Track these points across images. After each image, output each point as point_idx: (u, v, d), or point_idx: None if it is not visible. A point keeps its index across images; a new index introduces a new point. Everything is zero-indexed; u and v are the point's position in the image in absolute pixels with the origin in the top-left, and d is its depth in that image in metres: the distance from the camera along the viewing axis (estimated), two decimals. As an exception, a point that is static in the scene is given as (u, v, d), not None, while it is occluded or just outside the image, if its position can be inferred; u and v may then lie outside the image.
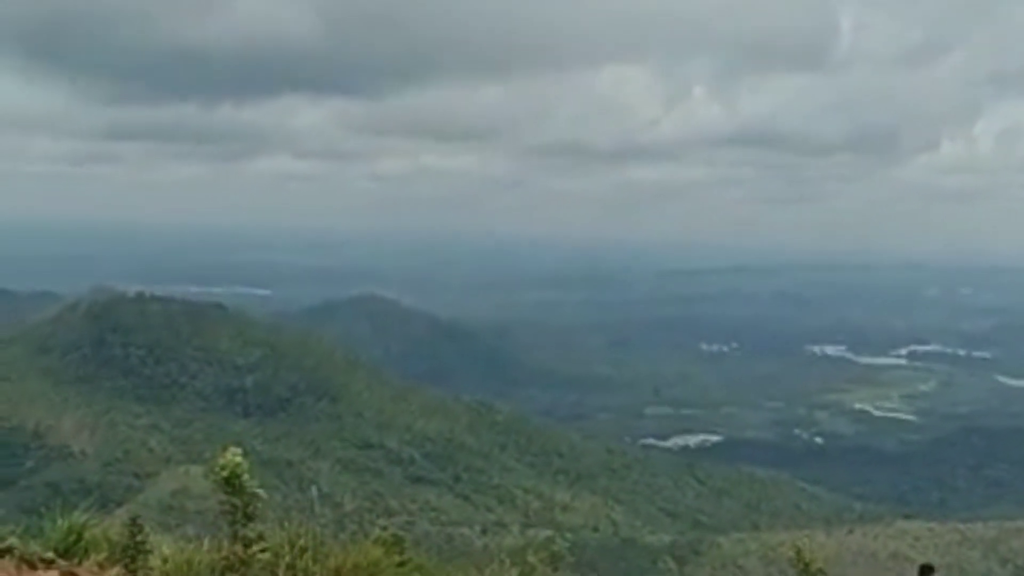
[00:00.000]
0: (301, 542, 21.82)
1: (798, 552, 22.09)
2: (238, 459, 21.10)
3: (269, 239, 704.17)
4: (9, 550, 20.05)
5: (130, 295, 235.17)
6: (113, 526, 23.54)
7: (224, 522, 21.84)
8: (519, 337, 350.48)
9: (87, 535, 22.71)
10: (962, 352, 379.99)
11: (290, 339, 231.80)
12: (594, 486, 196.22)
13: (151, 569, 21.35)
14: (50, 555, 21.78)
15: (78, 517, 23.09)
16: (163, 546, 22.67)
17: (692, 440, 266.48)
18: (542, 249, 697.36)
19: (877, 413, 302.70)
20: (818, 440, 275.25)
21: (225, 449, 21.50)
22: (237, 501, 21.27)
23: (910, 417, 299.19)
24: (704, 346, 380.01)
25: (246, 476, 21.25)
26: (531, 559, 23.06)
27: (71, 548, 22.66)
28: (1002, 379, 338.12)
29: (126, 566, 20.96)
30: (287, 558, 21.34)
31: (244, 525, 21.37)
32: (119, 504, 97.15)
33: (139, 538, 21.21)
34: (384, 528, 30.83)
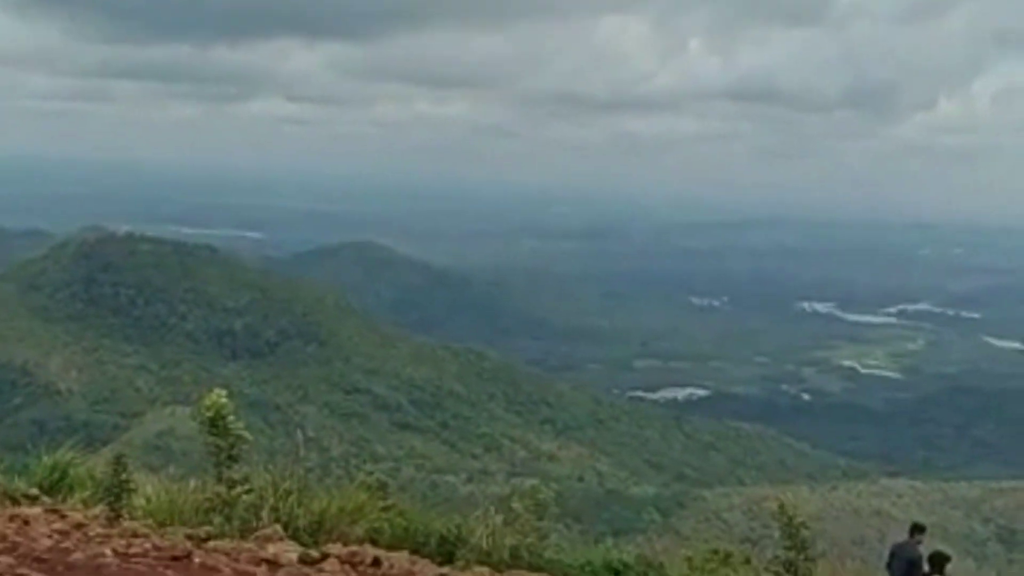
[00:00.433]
0: (286, 485, 21.90)
1: (781, 507, 22.22)
2: (223, 400, 21.13)
3: (262, 182, 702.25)
4: (-7, 486, 20.04)
5: (121, 235, 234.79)
6: (98, 465, 23.61)
7: (209, 463, 21.91)
8: (512, 286, 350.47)
9: (72, 473, 22.75)
10: (951, 312, 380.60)
11: (281, 283, 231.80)
12: (581, 437, 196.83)
13: (135, 508, 21.40)
14: (34, 492, 21.82)
15: (63, 455, 23.14)
16: (147, 486, 22.74)
17: (680, 393, 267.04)
18: (537, 199, 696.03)
19: (864, 371, 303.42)
20: (805, 396, 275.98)
21: (211, 390, 21.53)
22: (222, 442, 21.34)
23: (897, 375, 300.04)
24: (694, 300, 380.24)
25: (231, 417, 21.29)
26: (516, 507, 23.15)
27: (55, 485, 22.69)
28: (990, 340, 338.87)
29: (110, 504, 21.02)
30: (271, 500, 21.42)
31: (228, 466, 21.44)
32: (105, 443, 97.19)
33: (123, 477, 21.26)
34: (369, 473, 30.94)
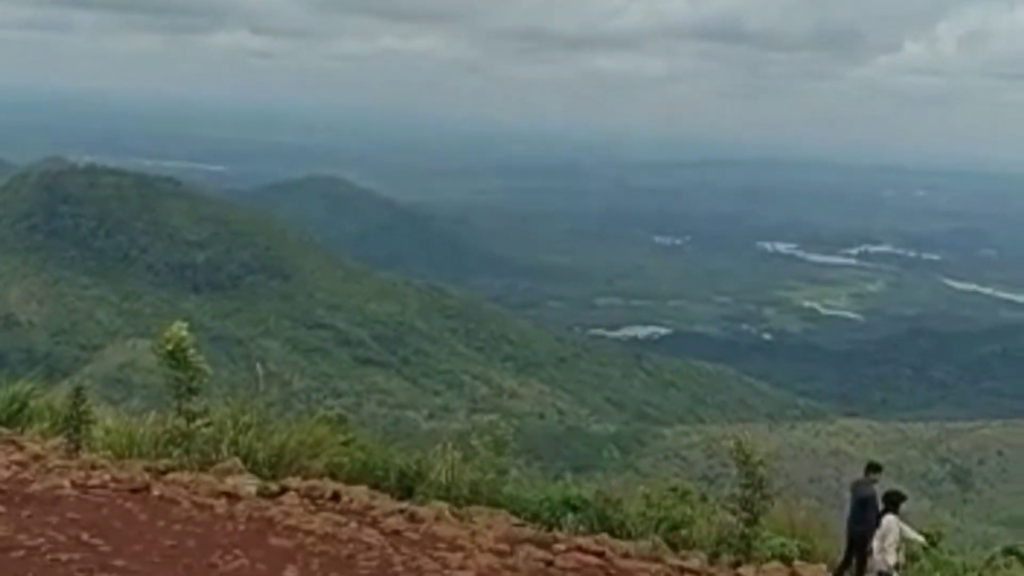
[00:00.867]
0: (245, 418, 21.91)
1: (739, 444, 22.38)
2: (183, 333, 21.08)
3: (226, 115, 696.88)
4: (-50, 416, 19.95)
5: (82, 166, 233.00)
6: (58, 397, 23.51)
7: (169, 396, 21.87)
8: (476, 223, 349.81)
9: (31, 405, 22.65)
10: (912, 254, 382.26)
11: (243, 217, 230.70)
12: (542, 374, 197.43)
13: (94, 440, 21.37)
14: (-8, 423, 21.70)
15: (23, 386, 23.02)
16: (107, 418, 22.67)
17: (641, 332, 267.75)
18: (502, 136, 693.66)
19: (825, 312, 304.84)
20: (765, 336, 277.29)
21: (171, 323, 21.45)
22: (181, 375, 21.31)
23: (857, 317, 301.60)
24: (657, 239, 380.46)
25: (191, 350, 21.25)
26: (475, 443, 23.23)
27: (14, 417, 22.62)
28: (950, 282, 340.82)
29: (69, 436, 20.99)
30: (231, 434, 21.44)
31: (188, 399, 21.43)
32: (65, 375, 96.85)
33: (82, 408, 21.22)
34: (330, 408, 30.96)
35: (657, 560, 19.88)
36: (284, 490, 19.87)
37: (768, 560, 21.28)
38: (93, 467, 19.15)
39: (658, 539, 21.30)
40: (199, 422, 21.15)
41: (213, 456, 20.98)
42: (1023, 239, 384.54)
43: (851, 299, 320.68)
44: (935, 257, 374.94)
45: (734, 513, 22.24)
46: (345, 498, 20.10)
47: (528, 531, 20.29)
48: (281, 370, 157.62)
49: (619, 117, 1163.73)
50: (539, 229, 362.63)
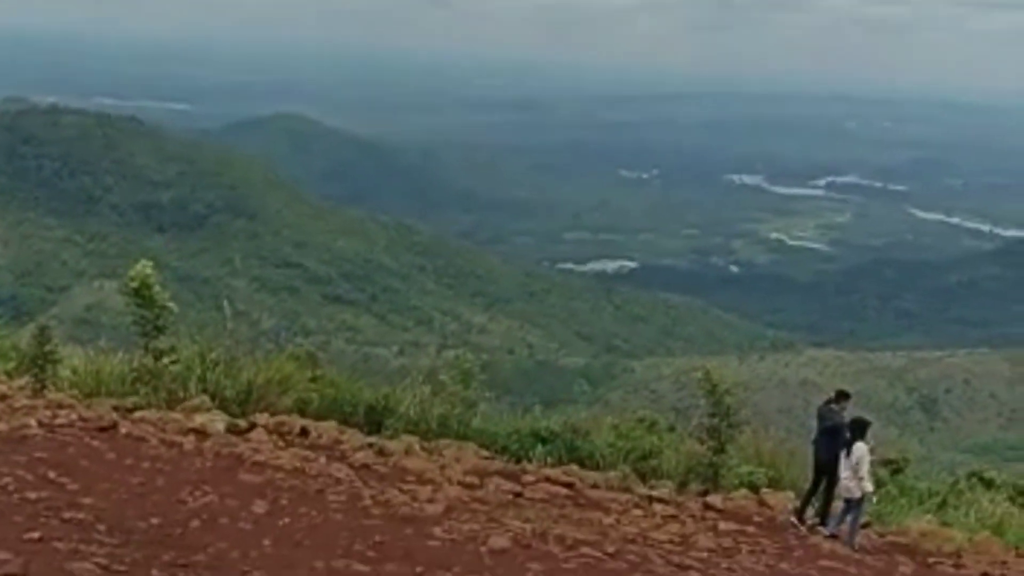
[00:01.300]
0: (213, 356, 21.89)
1: (706, 374, 22.51)
2: (148, 271, 21.03)
3: (188, 52, 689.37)
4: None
5: (44, 106, 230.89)
6: (24, 338, 23.41)
7: (135, 335, 21.82)
8: (442, 159, 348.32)
9: (-4, 345, 22.53)
10: (878, 184, 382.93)
11: (208, 155, 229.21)
12: (511, 309, 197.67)
13: (61, 380, 21.33)
14: (-44, 363, 21.62)
15: (-13, 327, 22.86)
16: (74, 358, 22.62)
17: (609, 265, 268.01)
18: (468, 70, 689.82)
19: (792, 243, 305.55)
20: (733, 268, 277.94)
21: (137, 262, 21.37)
22: (147, 313, 21.28)
23: (824, 247, 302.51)
24: (624, 172, 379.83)
25: (156, 288, 21.20)
26: (443, 377, 23.30)
27: (-22, 357, 22.49)
28: (915, 212, 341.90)
29: (35, 376, 20.94)
30: (198, 371, 21.44)
31: (155, 337, 21.41)
32: (31, 317, 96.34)
33: (47, 348, 21.16)
34: (298, 346, 30.92)
35: (626, 490, 20.05)
36: (253, 426, 19.91)
37: (736, 488, 21.47)
38: (60, 406, 19.11)
39: (627, 469, 21.45)
40: (166, 360, 21.14)
41: (181, 394, 20.99)
42: (988, 168, 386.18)
43: (818, 230, 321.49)
44: (901, 187, 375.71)
45: (702, 442, 22.41)
46: (314, 433, 20.16)
47: (497, 463, 20.41)
48: (249, 309, 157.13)
49: (585, 50, 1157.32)
50: (506, 163, 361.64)
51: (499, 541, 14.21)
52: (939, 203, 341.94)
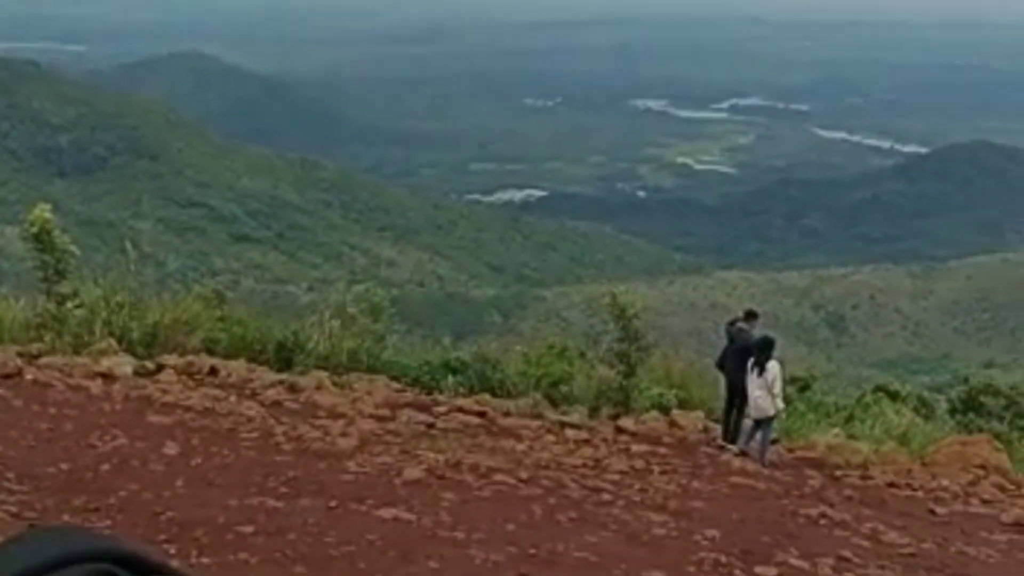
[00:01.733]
0: (118, 298, 21.67)
1: (613, 298, 22.69)
2: (47, 215, 20.74)
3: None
4: None
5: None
6: (-78, 286, 22.99)
7: (37, 280, 21.53)
8: (345, 93, 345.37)
9: None
10: (781, 105, 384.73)
11: (107, 97, 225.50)
12: (419, 242, 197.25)
13: (-39, 328, 21.01)
14: None
15: None
16: (-26, 305, 22.27)
17: (517, 195, 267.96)
18: (367, 2, 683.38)
19: (698, 167, 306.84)
20: (640, 194, 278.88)
21: (35, 206, 21.05)
22: (48, 257, 21.01)
23: (730, 170, 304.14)
24: (529, 101, 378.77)
25: (56, 232, 20.92)
26: (351, 311, 23.27)
27: None
28: (818, 131, 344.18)
29: (-66, 325, 20.61)
30: (103, 314, 21.22)
31: (57, 282, 21.14)
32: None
33: (-54, 296, 20.80)
34: (206, 286, 30.69)
35: (538, 416, 20.19)
36: (161, 368, 19.78)
37: (647, 411, 21.70)
38: (-38, 355, 18.86)
39: (538, 396, 21.60)
40: (70, 304, 20.90)
41: (86, 338, 20.78)
42: (889, 86, 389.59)
43: (723, 153, 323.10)
44: (803, 107, 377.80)
45: (612, 367, 22.61)
46: (223, 372, 20.07)
47: (409, 395, 20.46)
48: (155, 251, 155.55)
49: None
50: (408, 96, 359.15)
51: (413, 472, 14.28)
52: (841, 122, 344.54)
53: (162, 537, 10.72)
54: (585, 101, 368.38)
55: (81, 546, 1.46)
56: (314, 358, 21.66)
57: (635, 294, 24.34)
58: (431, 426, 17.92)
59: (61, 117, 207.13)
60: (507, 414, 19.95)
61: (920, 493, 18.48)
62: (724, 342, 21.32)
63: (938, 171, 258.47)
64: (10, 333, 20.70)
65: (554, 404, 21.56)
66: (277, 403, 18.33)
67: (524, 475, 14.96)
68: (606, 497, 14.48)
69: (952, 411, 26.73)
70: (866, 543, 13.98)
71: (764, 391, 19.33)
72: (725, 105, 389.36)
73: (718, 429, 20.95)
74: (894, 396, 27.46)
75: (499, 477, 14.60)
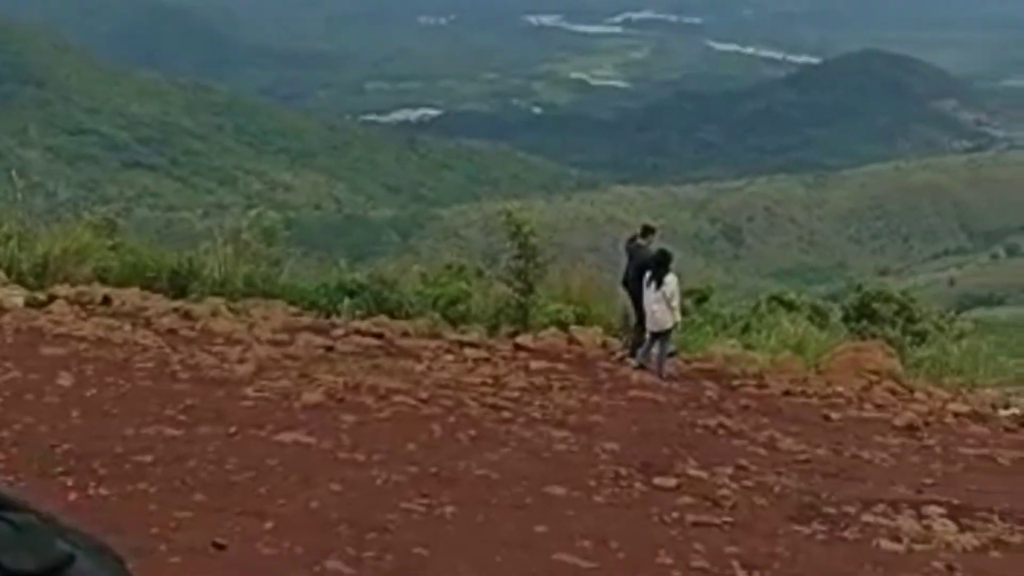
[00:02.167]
0: (4, 229, 21.28)
1: (509, 215, 22.69)
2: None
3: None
4: None
5: None
6: None
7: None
8: (236, 14, 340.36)
9: None
10: (674, 18, 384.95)
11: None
12: (315, 165, 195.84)
13: None
14: None
15: None
16: None
17: (412, 115, 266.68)
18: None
19: (593, 82, 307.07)
20: (536, 110, 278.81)
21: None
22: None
23: (625, 84, 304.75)
24: (421, 19, 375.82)
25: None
26: (245, 236, 23.06)
27: None
28: (712, 44, 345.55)
29: None
30: (-10, 246, 20.81)
31: (-62, 214, 20.67)
32: None
33: None
34: (97, 214, 30.23)
35: (436, 336, 20.20)
36: (52, 299, 19.47)
37: (546, 327, 21.78)
38: None
39: (436, 316, 21.61)
40: (-47, 236, 20.53)
41: (-27, 271, 20.43)
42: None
43: (618, 68, 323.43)
44: (696, 20, 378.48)
45: (510, 285, 22.64)
46: (116, 302, 19.80)
47: (306, 319, 20.36)
48: (44, 180, 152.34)
49: None
50: (299, 17, 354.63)
51: (312, 396, 14.24)
52: (734, 34, 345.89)
53: (59, 470, 10.62)
54: (478, 18, 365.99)
55: None
56: (209, 285, 21.46)
57: (532, 211, 24.39)
58: (329, 349, 17.85)
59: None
60: (405, 335, 19.93)
61: (815, 400, 18.77)
62: (625, 260, 21.41)
63: (830, 81, 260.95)
64: None
65: (453, 323, 21.59)
66: (172, 331, 18.14)
67: (424, 395, 14.98)
68: (506, 415, 14.55)
69: (846, 319, 27.15)
70: (763, 451, 14.20)
71: (662, 304, 19.46)
72: (619, 19, 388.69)
73: (617, 344, 21.10)
74: (789, 306, 27.82)
75: (398, 398, 14.61)
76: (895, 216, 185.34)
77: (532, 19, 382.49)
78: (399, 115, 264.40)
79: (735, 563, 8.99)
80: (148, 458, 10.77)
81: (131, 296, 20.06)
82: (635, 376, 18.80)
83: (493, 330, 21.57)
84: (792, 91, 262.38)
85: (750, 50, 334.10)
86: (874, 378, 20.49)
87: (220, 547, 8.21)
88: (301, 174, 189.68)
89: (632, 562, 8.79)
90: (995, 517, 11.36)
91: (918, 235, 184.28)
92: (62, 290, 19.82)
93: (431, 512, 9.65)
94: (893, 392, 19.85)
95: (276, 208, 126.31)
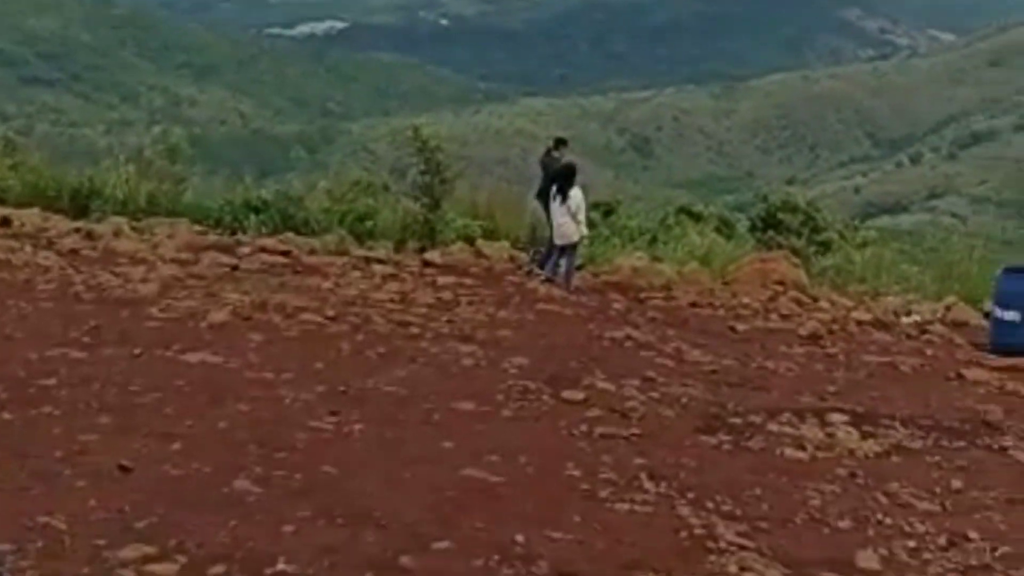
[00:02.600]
0: None
1: (415, 131, 22.57)
2: None
3: None
4: None
5: None
6: None
7: None
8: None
9: None
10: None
11: None
12: (220, 80, 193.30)
13: None
14: None
15: None
16: None
17: (318, 28, 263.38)
18: None
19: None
20: (443, 22, 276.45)
21: None
22: None
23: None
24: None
25: None
26: (148, 153, 22.76)
27: None
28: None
29: None
30: None
31: None
32: None
33: None
34: (-4, 133, 29.66)
35: (343, 253, 20.11)
36: (-52, 227, 19.19)
37: (453, 242, 21.78)
38: None
39: (343, 233, 21.51)
40: None
41: None
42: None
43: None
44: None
45: (417, 200, 22.58)
46: (16, 222, 19.52)
47: (211, 238, 20.18)
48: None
49: None
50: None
51: (218, 315, 14.13)
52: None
53: (-40, 395, 10.47)
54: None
55: None
56: (111, 204, 21.19)
57: (440, 125, 24.27)
58: (235, 268, 17.70)
59: None
60: (312, 252, 19.83)
61: (722, 311, 18.94)
62: (538, 173, 21.41)
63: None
64: None
65: (360, 240, 21.51)
66: (74, 252, 17.90)
67: (331, 312, 14.92)
68: (414, 331, 14.53)
69: (752, 229, 27.36)
70: (670, 362, 14.30)
71: (568, 218, 19.48)
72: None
73: (525, 258, 21.14)
74: (697, 217, 28.02)
75: (306, 316, 14.54)
76: (802, 125, 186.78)
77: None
78: (305, 28, 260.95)
79: (643, 475, 9.07)
80: (52, 381, 10.64)
81: (32, 217, 19.78)
82: (543, 290, 18.84)
83: (400, 246, 21.53)
84: (700, 1, 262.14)
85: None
86: (779, 288, 20.71)
87: (126, 469, 8.15)
88: (206, 89, 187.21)
89: (540, 475, 8.85)
90: (896, 424, 11.54)
91: (825, 144, 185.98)
92: (-40, 212, 19.52)
93: (340, 430, 9.63)
94: (798, 302, 20.08)
95: (180, 124, 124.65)
